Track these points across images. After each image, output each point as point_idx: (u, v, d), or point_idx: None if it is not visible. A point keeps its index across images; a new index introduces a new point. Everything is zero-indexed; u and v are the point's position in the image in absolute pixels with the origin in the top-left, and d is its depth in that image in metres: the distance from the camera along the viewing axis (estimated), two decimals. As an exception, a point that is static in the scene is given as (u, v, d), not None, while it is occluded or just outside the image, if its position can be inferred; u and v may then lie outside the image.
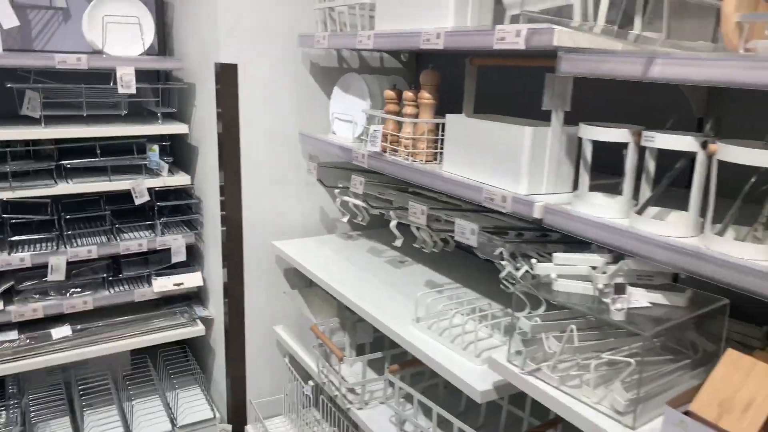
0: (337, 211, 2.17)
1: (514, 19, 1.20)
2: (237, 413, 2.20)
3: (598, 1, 1.14)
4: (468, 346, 1.33)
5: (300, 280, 2.16)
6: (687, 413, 0.85)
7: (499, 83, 1.76)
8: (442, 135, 1.49)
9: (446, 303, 1.52)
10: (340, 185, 1.86)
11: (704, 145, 0.92)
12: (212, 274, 2.22)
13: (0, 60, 1.87)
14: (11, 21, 1.93)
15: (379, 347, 1.77)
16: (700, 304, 1.01)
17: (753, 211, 0.95)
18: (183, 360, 2.48)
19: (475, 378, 1.22)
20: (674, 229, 0.95)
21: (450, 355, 1.31)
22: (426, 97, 1.53)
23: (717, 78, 0.82)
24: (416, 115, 1.56)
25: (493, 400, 1.24)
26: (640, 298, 0.99)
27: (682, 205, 1.00)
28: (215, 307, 2.24)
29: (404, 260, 1.93)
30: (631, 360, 0.92)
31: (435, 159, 1.54)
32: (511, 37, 1.13)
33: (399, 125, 1.58)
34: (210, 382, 2.40)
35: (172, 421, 2.18)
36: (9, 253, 1.96)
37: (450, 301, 1.53)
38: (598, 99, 1.51)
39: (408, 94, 1.58)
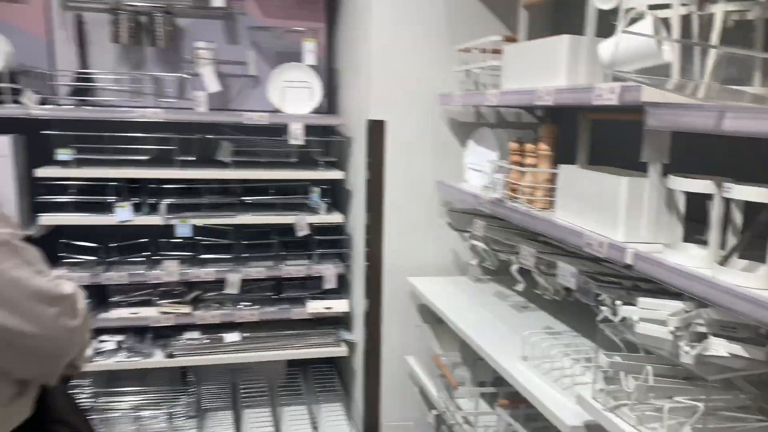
0: (468, 254, 2.32)
1: (616, 78, 1.30)
2: (370, 429, 2.41)
3: (705, 62, 1.20)
4: (568, 386, 1.39)
5: (431, 316, 2.33)
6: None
7: (617, 136, 1.81)
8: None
9: (554, 344, 1.59)
10: (468, 230, 2.02)
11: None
12: (356, 303, 2.50)
13: (205, 117, 2.38)
14: (216, 87, 2.44)
15: (499, 386, 1.86)
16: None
17: None
18: (329, 377, 2.77)
19: (567, 414, 1.29)
20: (755, 281, 0.97)
21: (546, 390, 1.39)
22: (544, 148, 1.65)
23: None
24: (535, 166, 1.68)
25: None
26: (719, 347, 1.01)
27: (769, 257, 1.01)
28: (358, 332, 2.50)
29: (527, 306, 2.01)
30: (700, 404, 0.95)
31: (550, 207, 1.64)
32: (607, 94, 1.24)
33: (520, 174, 1.72)
34: (350, 400, 2.65)
35: (315, 426, 2.46)
36: (199, 268, 2.43)
37: (557, 343, 1.59)
38: (711, 151, 1.50)
39: (529, 146, 1.71)
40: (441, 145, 2.27)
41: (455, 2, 2.21)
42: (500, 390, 1.78)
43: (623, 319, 1.13)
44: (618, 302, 1.17)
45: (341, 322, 2.66)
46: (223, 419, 2.52)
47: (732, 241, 1.05)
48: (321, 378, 2.77)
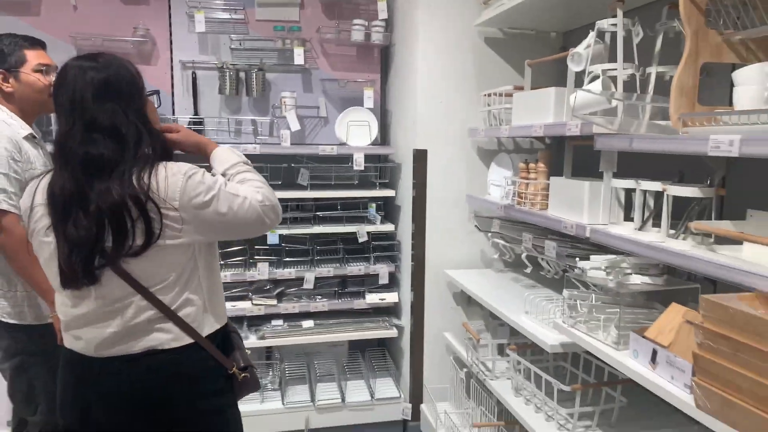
0: (491, 250, 2.95)
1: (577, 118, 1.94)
2: (415, 395, 3.03)
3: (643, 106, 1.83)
4: (552, 325, 2.00)
5: (463, 299, 2.95)
6: (643, 336, 1.48)
7: (588, 156, 2.43)
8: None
9: (545, 303, 2.19)
10: (490, 230, 2.66)
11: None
12: (404, 295, 3.14)
13: (289, 150, 3.11)
14: (296, 127, 3.18)
15: (510, 338, 2.46)
16: (674, 284, 1.60)
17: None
18: (382, 357, 3.40)
19: (550, 339, 1.90)
20: (657, 237, 1.59)
21: (537, 329, 2.01)
22: (541, 167, 2.30)
23: (667, 149, 1.50)
24: (535, 179, 2.32)
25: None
26: (636, 279, 1.62)
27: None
28: (405, 320, 3.14)
29: (536, 285, 2.62)
30: (617, 309, 1.56)
31: (546, 207, 2.27)
32: (573, 128, 1.89)
33: (526, 185, 2.36)
34: (400, 375, 3.27)
35: (372, 395, 3.09)
36: (283, 269, 3.12)
37: (548, 302, 2.20)
38: (652, 163, 2.11)
39: (531, 165, 2.36)
40: (470, 167, 2.94)
41: (480, 59, 2.90)
42: (511, 340, 2.39)
43: (582, 270, 1.75)
44: (578, 259, 1.80)
45: (392, 311, 3.31)
46: (301, 390, 3.17)
47: (646, 215, 1.67)
48: (376, 357, 3.41)
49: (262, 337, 3.07)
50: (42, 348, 1.97)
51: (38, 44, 2.13)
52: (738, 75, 1.43)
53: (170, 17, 3.16)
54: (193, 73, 3.21)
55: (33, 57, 2.07)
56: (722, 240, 1.48)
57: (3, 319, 1.96)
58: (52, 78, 1.95)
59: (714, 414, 1.22)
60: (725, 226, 1.47)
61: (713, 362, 1.21)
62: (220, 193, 1.40)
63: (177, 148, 1.61)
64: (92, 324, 1.39)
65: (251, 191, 1.46)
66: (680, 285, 1.60)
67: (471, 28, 2.86)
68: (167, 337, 1.40)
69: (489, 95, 2.75)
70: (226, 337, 1.58)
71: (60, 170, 1.37)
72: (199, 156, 1.65)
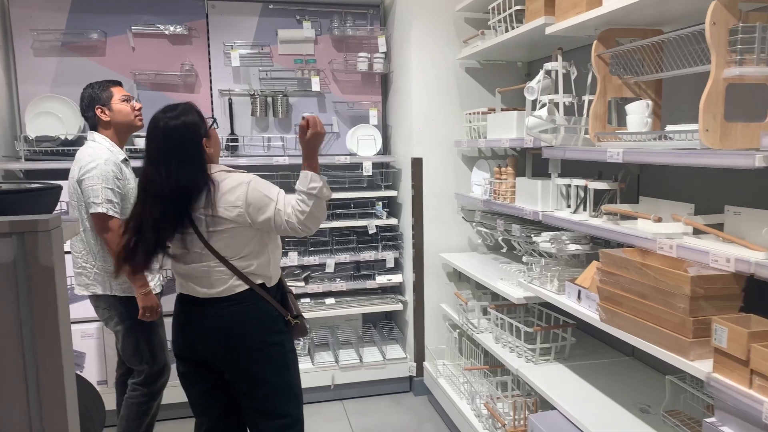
0: (476, 237, 3.69)
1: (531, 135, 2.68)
2: (418, 355, 3.76)
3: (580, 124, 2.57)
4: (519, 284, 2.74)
5: (455, 276, 3.69)
6: (573, 283, 2.21)
7: (543, 162, 3.18)
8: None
9: (516, 272, 2.93)
10: (474, 220, 3.40)
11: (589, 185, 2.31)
12: (407, 276, 3.87)
13: (310, 160, 3.83)
14: (315, 141, 3.90)
15: (491, 302, 3.20)
16: (596, 248, 2.34)
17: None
18: (390, 328, 4.14)
19: (516, 293, 2.64)
20: (585, 217, 2.32)
21: (508, 287, 2.75)
22: (509, 170, 3.03)
23: (585, 158, 2.24)
24: (506, 179, 3.06)
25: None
26: (571, 247, 2.36)
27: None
28: (408, 296, 3.87)
29: (510, 262, 3.36)
30: (558, 268, 2.31)
31: (514, 200, 3.00)
32: (529, 141, 2.62)
33: (499, 184, 3.09)
34: (405, 341, 4.00)
35: (383, 356, 3.82)
36: (309, 257, 3.84)
37: (518, 272, 2.94)
38: (586, 166, 2.86)
39: (503, 169, 3.10)
40: (457, 170, 3.68)
41: (462, 84, 3.64)
42: (492, 303, 3.12)
43: (536, 243, 2.49)
44: (533, 236, 2.53)
45: (397, 289, 4.04)
46: (326, 354, 3.89)
47: (580, 205, 2.41)
48: (385, 327, 4.14)
49: (293, 313, 3.78)
50: (137, 313, 2.67)
51: (117, 83, 2.83)
52: (628, 107, 2.17)
53: (209, 54, 3.88)
54: (229, 99, 3.93)
55: (117, 92, 2.78)
56: (626, 217, 2.21)
57: (116, 293, 2.68)
58: (134, 103, 2.75)
59: (609, 323, 1.96)
60: (624, 208, 2.21)
61: (606, 290, 1.95)
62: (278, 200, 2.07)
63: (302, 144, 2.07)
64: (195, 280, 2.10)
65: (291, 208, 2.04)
66: (599, 249, 2.34)
67: (454, 61, 3.60)
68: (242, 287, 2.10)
69: (470, 114, 3.48)
70: (283, 295, 2.30)
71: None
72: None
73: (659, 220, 1.93)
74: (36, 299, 0.96)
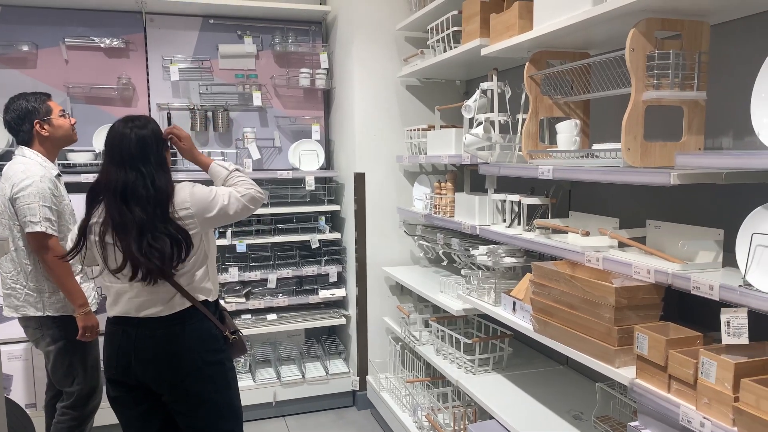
0: (418, 250, 3.75)
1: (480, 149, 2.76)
2: (361, 370, 3.77)
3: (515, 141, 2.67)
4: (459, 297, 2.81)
5: (397, 290, 3.73)
6: (508, 295, 2.29)
7: (479, 178, 3.29)
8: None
9: (455, 284, 3.00)
10: (415, 234, 3.46)
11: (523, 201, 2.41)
12: (350, 290, 3.88)
13: (252, 175, 3.78)
14: (257, 155, 3.88)
15: (432, 315, 3.25)
16: (530, 261, 2.44)
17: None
18: (333, 342, 4.13)
19: (456, 306, 2.70)
20: (518, 232, 2.41)
21: (449, 300, 2.81)
22: (449, 185, 3.11)
23: (518, 174, 2.33)
24: (445, 194, 3.13)
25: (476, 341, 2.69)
26: (506, 260, 2.45)
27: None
28: (352, 309, 3.88)
29: (450, 275, 3.43)
30: (495, 280, 2.38)
31: (453, 215, 3.08)
32: (466, 158, 2.71)
33: (439, 199, 3.17)
34: (349, 355, 4.00)
35: (326, 371, 3.81)
36: (250, 272, 3.80)
37: (458, 284, 3.01)
38: (520, 182, 2.97)
39: (443, 184, 3.17)
40: (398, 185, 3.74)
41: (403, 101, 3.71)
42: (433, 315, 3.18)
43: (473, 256, 2.56)
44: (471, 249, 2.61)
45: (341, 303, 4.04)
46: (267, 371, 3.84)
47: (515, 220, 2.50)
48: (328, 342, 4.13)
49: (234, 330, 3.72)
50: (74, 333, 2.58)
51: (50, 96, 2.74)
52: (558, 126, 2.27)
53: (147, 68, 3.80)
54: (168, 113, 3.86)
55: (54, 106, 2.69)
56: (557, 231, 2.31)
57: (49, 314, 2.57)
58: (70, 118, 2.70)
59: (542, 333, 2.04)
60: (555, 222, 2.31)
61: (539, 301, 2.03)
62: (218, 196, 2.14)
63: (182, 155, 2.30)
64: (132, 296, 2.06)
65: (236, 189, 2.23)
66: (533, 261, 2.43)
67: (395, 78, 3.67)
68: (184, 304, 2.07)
69: (411, 130, 3.55)
70: (221, 312, 2.28)
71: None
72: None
73: (587, 233, 2.03)
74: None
